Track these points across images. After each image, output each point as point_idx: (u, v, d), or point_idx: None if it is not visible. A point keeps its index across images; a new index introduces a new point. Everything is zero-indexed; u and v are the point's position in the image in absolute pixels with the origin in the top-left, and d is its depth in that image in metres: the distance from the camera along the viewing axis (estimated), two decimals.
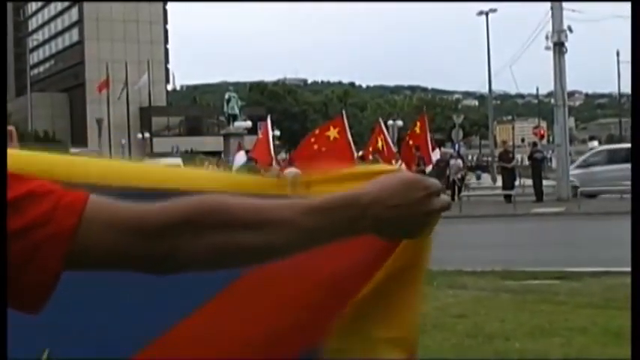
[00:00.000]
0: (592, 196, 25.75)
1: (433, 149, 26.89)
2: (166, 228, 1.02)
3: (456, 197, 26.15)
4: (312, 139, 23.18)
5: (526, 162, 35.02)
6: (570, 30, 27.43)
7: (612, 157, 26.46)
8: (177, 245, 1.02)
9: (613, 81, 60.25)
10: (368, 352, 1.43)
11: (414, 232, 1.18)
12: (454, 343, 7.03)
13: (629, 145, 27.33)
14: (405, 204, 1.13)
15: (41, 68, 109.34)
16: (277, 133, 26.68)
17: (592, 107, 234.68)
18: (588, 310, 8.25)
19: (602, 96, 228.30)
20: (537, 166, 26.27)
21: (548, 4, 27.86)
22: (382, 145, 25.67)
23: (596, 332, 7.19)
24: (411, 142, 25.92)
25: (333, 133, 22.80)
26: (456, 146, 36.38)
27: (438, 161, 25.80)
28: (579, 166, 28.08)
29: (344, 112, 25.40)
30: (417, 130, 25.78)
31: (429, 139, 25.43)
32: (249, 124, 54.00)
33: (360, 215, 1.10)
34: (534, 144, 29.84)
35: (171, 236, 1.02)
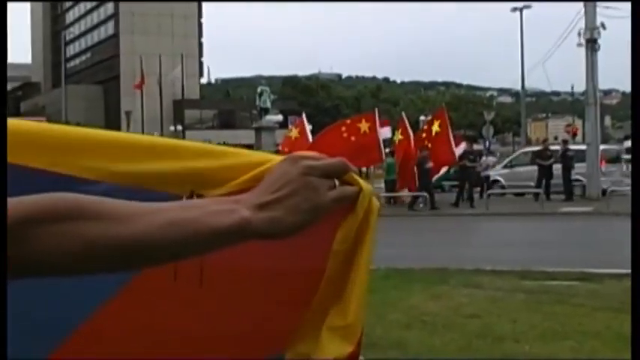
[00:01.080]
0: (519, 194, 27.31)
1: (457, 145, 26.70)
2: (13, 228, 0.93)
3: (484, 194, 25.94)
4: (343, 128, 23.36)
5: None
6: (603, 27, 27.01)
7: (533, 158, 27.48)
8: (27, 243, 0.94)
9: None
10: (313, 345, 1.33)
11: (298, 223, 1.05)
12: (462, 344, 6.90)
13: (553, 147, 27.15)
14: (285, 193, 1.04)
15: (77, 61, 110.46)
16: (309, 127, 26.74)
17: (629, 106, 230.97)
18: (604, 313, 8.06)
19: None
20: (567, 165, 25.92)
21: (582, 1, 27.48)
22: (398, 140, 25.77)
23: (609, 337, 7.01)
24: (423, 137, 25.74)
25: (364, 126, 22.90)
26: (487, 143, 36.08)
27: (460, 157, 25.24)
28: (505, 167, 30.11)
29: (376, 109, 25.51)
30: (437, 128, 25.50)
31: (450, 135, 25.18)
32: (280, 117, 54.27)
33: (234, 207, 1.02)
34: (564, 142, 29.39)
35: (17, 237, 0.94)
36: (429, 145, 25.40)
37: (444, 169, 26.65)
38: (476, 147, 32.11)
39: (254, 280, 1.39)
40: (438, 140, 25.01)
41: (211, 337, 1.39)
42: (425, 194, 24.56)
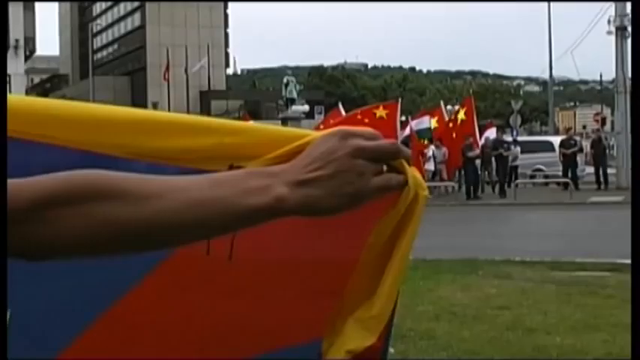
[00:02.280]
0: (545, 184, 27.37)
1: (486, 129, 26.56)
2: (35, 207, 0.90)
3: (512, 185, 25.78)
4: (359, 113, 23.46)
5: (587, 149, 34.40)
6: None
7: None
8: (46, 224, 0.90)
9: None
10: (339, 335, 1.30)
11: (335, 206, 0.98)
12: (492, 336, 6.84)
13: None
14: (328, 172, 0.96)
15: (104, 52, 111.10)
16: (325, 118, 26.92)
17: None
18: None
19: None
20: (599, 154, 25.71)
21: None
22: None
23: None
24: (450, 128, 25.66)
25: (381, 112, 22.84)
26: (514, 132, 35.77)
27: (482, 147, 24.89)
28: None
29: (400, 99, 25.50)
30: (462, 116, 25.43)
31: (475, 125, 25.10)
32: (306, 108, 54.32)
33: (269, 183, 0.95)
34: (597, 130, 29.12)
35: (38, 217, 0.90)
36: (454, 135, 25.38)
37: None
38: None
39: (287, 269, 1.37)
40: (464, 129, 25.01)
41: (243, 325, 1.37)
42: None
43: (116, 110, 1.24)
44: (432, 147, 25.71)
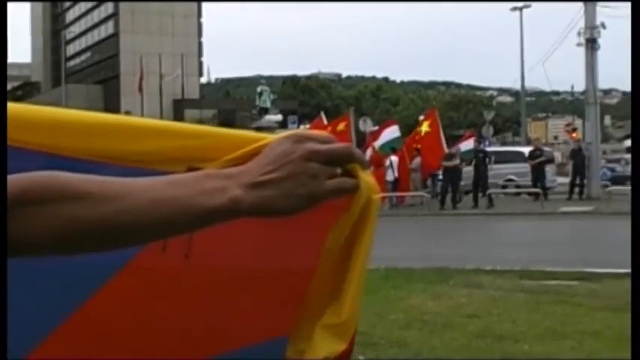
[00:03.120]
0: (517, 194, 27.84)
1: (466, 140, 26.74)
2: None
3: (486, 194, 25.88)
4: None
5: (559, 159, 34.71)
6: (603, 26, 27.03)
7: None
8: (9, 224, 0.92)
9: None
10: (307, 343, 1.33)
11: (289, 208, 1.00)
12: (462, 344, 6.90)
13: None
14: (282, 174, 0.99)
15: (77, 60, 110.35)
16: (308, 127, 26.96)
17: (629, 105, 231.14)
18: (604, 313, 8.06)
19: None
20: (578, 163, 25.92)
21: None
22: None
23: (610, 336, 7.01)
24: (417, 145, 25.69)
25: (341, 126, 23.24)
26: (487, 142, 36.03)
27: (449, 155, 24.60)
28: None
29: (351, 109, 25.83)
30: (426, 128, 25.39)
31: (440, 137, 25.05)
32: (280, 117, 54.32)
33: (225, 185, 0.98)
34: (577, 140, 29.32)
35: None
36: (419, 147, 25.38)
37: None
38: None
39: (244, 278, 1.39)
40: (428, 141, 24.92)
41: (201, 326, 1.39)
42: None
43: (81, 115, 1.26)
44: (391, 157, 25.59)
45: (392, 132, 26.34)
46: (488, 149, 28.58)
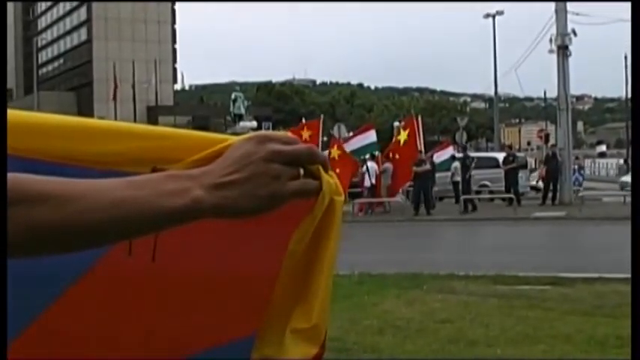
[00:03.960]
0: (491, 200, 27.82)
1: (444, 149, 26.76)
2: None
3: (460, 200, 25.99)
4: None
5: (532, 165, 34.95)
6: (574, 33, 27.29)
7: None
8: None
9: (622, 85, 60.10)
10: (277, 347, 1.32)
11: (252, 208, 1.00)
12: (435, 349, 6.92)
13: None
14: (244, 175, 0.99)
15: (49, 67, 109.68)
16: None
17: (601, 111, 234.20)
18: (576, 317, 8.13)
19: (612, 100, 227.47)
20: (552, 169, 26.09)
21: (553, 7, 27.74)
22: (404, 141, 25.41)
23: (581, 340, 7.08)
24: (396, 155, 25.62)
25: (305, 134, 23.27)
26: (459, 149, 36.20)
27: (419, 161, 24.35)
28: None
29: (321, 117, 25.76)
30: (404, 137, 25.26)
31: (418, 145, 24.96)
32: (254, 124, 54.22)
33: (187, 186, 0.97)
34: (552, 146, 29.47)
35: None
36: (397, 156, 25.23)
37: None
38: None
39: (209, 285, 1.39)
40: (406, 151, 24.75)
41: (169, 327, 1.39)
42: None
43: (43, 117, 1.25)
44: (368, 162, 25.52)
45: (368, 137, 26.31)
46: (448, 155, 28.65)
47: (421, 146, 25.31)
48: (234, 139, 1.17)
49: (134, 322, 1.37)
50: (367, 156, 25.93)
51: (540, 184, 28.28)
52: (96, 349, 1.36)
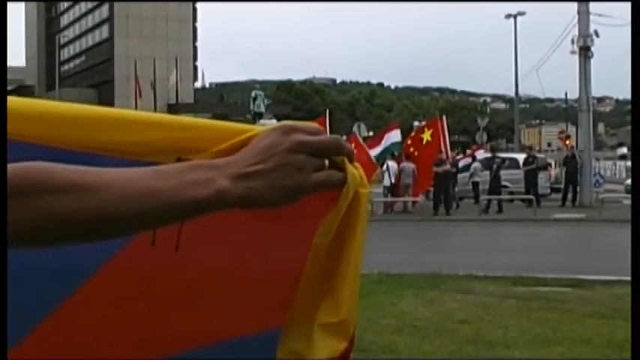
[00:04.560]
0: (510, 201, 27.17)
1: (476, 151, 26.59)
2: None
3: (479, 200, 25.85)
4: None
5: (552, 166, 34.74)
6: (597, 34, 27.11)
7: None
8: None
9: None
10: (305, 343, 1.32)
11: (276, 199, 1.00)
12: (452, 350, 6.92)
13: None
14: (268, 166, 0.99)
15: (71, 64, 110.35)
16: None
17: (622, 113, 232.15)
18: (595, 319, 8.10)
19: None
20: (571, 171, 25.92)
21: (576, 8, 27.57)
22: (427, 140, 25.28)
23: (600, 343, 7.05)
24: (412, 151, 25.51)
25: (426, 135, 23.17)
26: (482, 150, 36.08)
27: (439, 161, 24.13)
28: None
29: (327, 111, 25.63)
30: (428, 137, 25.12)
31: (442, 146, 24.74)
32: (274, 122, 53.87)
33: (212, 176, 0.98)
34: (571, 147, 29.27)
35: None
36: (416, 153, 25.06)
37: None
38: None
39: (237, 282, 1.39)
40: (428, 151, 24.61)
41: (194, 329, 1.39)
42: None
43: (70, 106, 1.26)
44: (388, 161, 25.41)
45: (394, 136, 26.30)
46: (481, 156, 28.48)
47: (447, 148, 25.15)
48: (259, 129, 1.17)
49: (153, 313, 1.38)
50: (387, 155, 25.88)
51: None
52: (114, 341, 1.36)
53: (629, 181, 30.98)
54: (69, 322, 1.32)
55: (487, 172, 25.76)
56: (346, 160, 1.08)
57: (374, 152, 25.57)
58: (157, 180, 0.97)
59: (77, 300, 1.30)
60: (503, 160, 26.65)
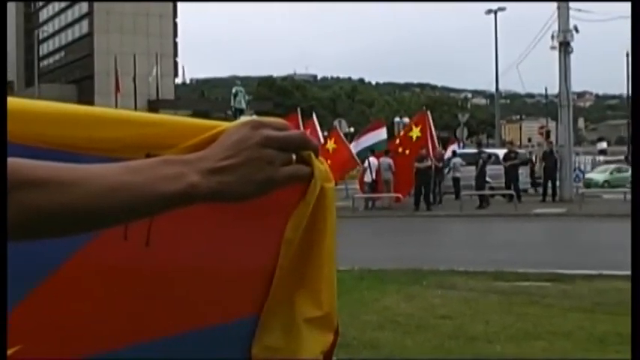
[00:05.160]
0: (491, 196, 26.91)
1: (450, 145, 26.63)
2: None
3: (459, 196, 25.95)
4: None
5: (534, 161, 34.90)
6: (576, 30, 27.27)
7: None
8: None
9: (623, 82, 60.24)
10: (284, 339, 1.34)
11: (247, 193, 1.02)
12: (434, 345, 6.93)
13: None
14: (239, 160, 1.00)
15: (50, 60, 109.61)
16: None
17: (602, 108, 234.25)
18: (575, 313, 8.14)
19: (613, 97, 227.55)
20: (550, 166, 26.01)
21: (555, 4, 27.70)
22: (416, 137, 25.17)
23: (581, 337, 7.09)
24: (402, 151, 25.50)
25: (415, 132, 23.19)
26: (461, 144, 36.24)
27: (420, 157, 24.07)
28: None
29: (299, 109, 25.81)
30: (417, 133, 25.05)
31: (430, 140, 24.73)
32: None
33: (183, 171, 0.99)
34: (549, 143, 29.36)
35: None
36: (407, 152, 24.96)
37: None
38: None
39: (208, 275, 1.38)
40: (417, 147, 24.44)
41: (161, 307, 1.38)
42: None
43: (38, 103, 1.26)
44: (370, 158, 25.40)
45: (380, 134, 26.34)
46: (460, 151, 28.52)
47: (434, 141, 25.19)
48: (226, 124, 1.18)
49: (122, 306, 1.36)
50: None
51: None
52: (82, 332, 1.34)
53: (590, 175, 31.41)
54: (34, 317, 1.30)
55: (469, 168, 25.82)
56: (312, 155, 1.10)
57: (357, 148, 25.64)
58: (130, 175, 0.98)
59: (41, 294, 1.29)
60: (489, 155, 26.59)
